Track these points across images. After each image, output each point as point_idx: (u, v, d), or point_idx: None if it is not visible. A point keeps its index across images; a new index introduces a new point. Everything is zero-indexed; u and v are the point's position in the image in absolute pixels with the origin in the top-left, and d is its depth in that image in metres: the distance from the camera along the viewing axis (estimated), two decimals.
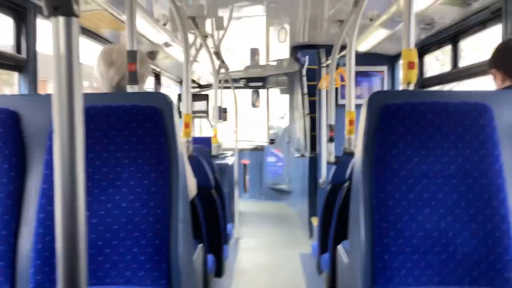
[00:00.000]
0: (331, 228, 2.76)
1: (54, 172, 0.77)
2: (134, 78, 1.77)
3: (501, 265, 1.49)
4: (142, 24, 3.41)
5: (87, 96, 1.71)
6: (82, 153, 0.77)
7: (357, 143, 1.77)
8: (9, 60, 2.30)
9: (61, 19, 0.74)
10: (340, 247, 2.27)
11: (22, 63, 2.36)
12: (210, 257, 2.87)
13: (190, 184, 1.98)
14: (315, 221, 5.38)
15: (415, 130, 1.59)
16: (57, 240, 0.78)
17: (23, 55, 2.36)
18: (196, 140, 4.78)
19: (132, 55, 1.78)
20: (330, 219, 2.85)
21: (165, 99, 1.65)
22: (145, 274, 1.54)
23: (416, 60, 1.73)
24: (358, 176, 1.66)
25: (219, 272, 3.27)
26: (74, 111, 0.75)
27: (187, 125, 2.67)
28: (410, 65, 1.73)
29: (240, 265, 4.69)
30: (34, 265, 1.53)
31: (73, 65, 0.76)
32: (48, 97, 1.70)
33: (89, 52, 2.10)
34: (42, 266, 1.53)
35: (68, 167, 0.76)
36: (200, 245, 2.26)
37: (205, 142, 4.58)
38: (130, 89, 1.79)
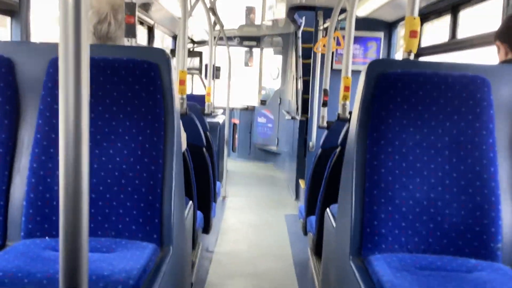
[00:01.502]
0: (320, 192, 2.79)
1: (59, 123, 0.76)
2: (132, 31, 1.73)
3: (486, 236, 1.53)
4: None
5: None
6: (87, 105, 0.77)
7: (352, 109, 1.77)
8: (1, 4, 2.23)
9: None
10: (328, 211, 2.31)
11: (15, 7, 2.29)
12: (199, 214, 2.90)
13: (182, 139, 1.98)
14: (303, 183, 5.44)
15: (412, 100, 1.59)
16: (60, 190, 0.79)
17: None
18: (189, 98, 4.75)
19: (130, 7, 1.73)
20: (319, 183, 2.89)
21: (163, 54, 1.62)
22: (137, 228, 1.56)
23: (418, 29, 1.72)
24: (352, 142, 1.67)
25: (206, 229, 3.32)
26: (80, 63, 0.74)
27: (182, 82, 2.64)
28: (412, 34, 1.71)
29: (226, 223, 4.76)
30: (25, 214, 1.54)
31: (81, 15, 0.74)
32: (43, 45, 1.66)
33: None
34: (33, 215, 1.53)
35: (72, 119, 0.76)
36: (190, 202, 2.28)
37: (198, 100, 4.55)
38: (127, 42, 1.76)
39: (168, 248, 1.59)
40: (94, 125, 1.56)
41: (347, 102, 2.93)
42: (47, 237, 1.51)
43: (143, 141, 1.56)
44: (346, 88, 2.92)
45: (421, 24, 4.08)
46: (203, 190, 3.17)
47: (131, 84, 1.56)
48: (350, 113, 2.66)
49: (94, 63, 1.56)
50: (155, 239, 1.56)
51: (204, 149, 3.22)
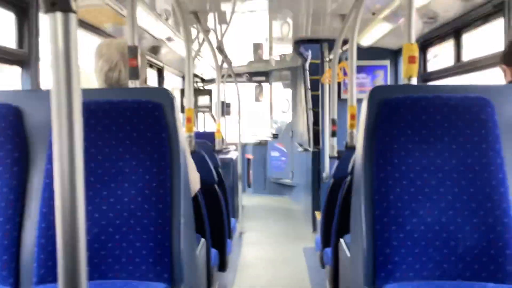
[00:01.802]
0: (334, 222, 2.76)
1: (54, 168, 0.77)
2: (135, 74, 1.77)
3: (502, 259, 1.49)
4: (144, 19, 3.41)
5: (88, 91, 1.72)
6: (81, 150, 0.78)
7: (358, 137, 1.77)
8: (11, 55, 2.31)
9: (58, 15, 0.74)
10: (342, 242, 2.28)
11: (24, 58, 2.36)
12: (214, 252, 2.88)
13: (193, 178, 1.99)
14: (319, 215, 5.39)
15: (416, 124, 1.58)
16: (57, 235, 0.79)
17: (25, 49, 2.37)
18: (200, 135, 4.79)
19: (133, 51, 1.78)
20: (333, 213, 2.86)
21: (167, 94, 1.65)
22: (147, 268, 1.55)
23: (417, 54, 1.73)
24: (359, 170, 1.66)
25: (222, 267, 3.28)
26: (72, 108, 0.76)
27: (189, 120, 2.67)
28: (411, 60, 1.72)
29: (243, 259, 4.70)
30: (37, 259, 1.54)
31: (71, 61, 0.76)
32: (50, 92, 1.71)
33: (92, 47, 2.12)
34: (45, 260, 1.54)
35: (67, 163, 0.77)
36: (203, 240, 2.27)
37: (208, 137, 4.59)
38: (131, 84, 1.80)
39: (180, 287, 1.57)
40: (101, 167, 1.58)
41: (354, 130, 2.93)
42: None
43: (150, 180, 1.57)
44: (352, 117, 2.92)
45: (425, 50, 4.11)
46: (217, 227, 3.15)
47: (136, 124, 1.59)
48: None
49: (100, 106, 1.60)
50: (166, 279, 1.55)
51: (215, 186, 3.22)
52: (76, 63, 0.76)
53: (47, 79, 2.59)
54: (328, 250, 3.06)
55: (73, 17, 0.74)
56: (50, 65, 0.75)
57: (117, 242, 1.56)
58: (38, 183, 1.62)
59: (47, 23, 0.75)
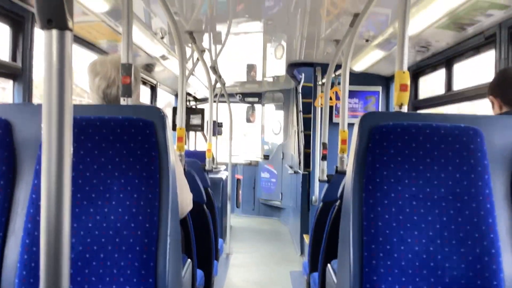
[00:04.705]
0: (322, 246, 2.75)
1: (41, 183, 0.77)
2: (128, 91, 1.77)
3: None
4: (140, 37, 3.43)
5: (79, 107, 1.71)
6: (69, 166, 0.77)
7: (348, 162, 1.77)
8: (4, 68, 2.30)
9: (54, 32, 0.74)
10: (329, 267, 2.26)
11: (17, 71, 2.35)
12: (199, 273, 2.84)
13: (186, 198, 1.97)
14: (307, 238, 5.36)
15: (406, 152, 1.59)
16: (41, 252, 0.78)
17: (19, 63, 2.36)
18: (191, 154, 4.78)
19: (126, 68, 1.78)
20: (321, 237, 2.85)
21: (158, 112, 1.65)
22: None
23: (408, 82, 1.75)
24: (349, 196, 1.66)
25: None
26: (63, 124, 0.75)
27: (180, 139, 2.67)
28: (402, 87, 1.74)
29: (230, 281, 4.65)
30: (19, 276, 1.51)
31: (65, 78, 0.76)
32: (41, 107, 1.70)
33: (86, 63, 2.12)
34: (27, 277, 1.51)
35: (55, 179, 0.76)
36: (189, 261, 2.24)
37: (199, 156, 4.58)
38: (123, 101, 1.79)
39: None
40: (89, 184, 1.56)
41: (345, 155, 2.94)
42: None
43: (138, 199, 1.56)
44: (343, 141, 2.94)
45: (417, 78, 4.16)
46: (204, 248, 3.12)
47: (126, 142, 1.58)
48: None
49: (90, 123, 1.59)
50: None
51: (204, 206, 3.20)
52: (69, 80, 0.76)
53: (39, 93, 2.58)
54: (315, 275, 3.04)
55: (68, 35, 0.75)
56: (44, 81, 0.75)
57: (101, 261, 1.53)
58: (24, 198, 1.60)
59: (42, 39, 0.75)
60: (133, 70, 1.81)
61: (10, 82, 2.37)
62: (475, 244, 1.52)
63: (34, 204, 1.55)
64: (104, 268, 1.52)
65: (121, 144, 1.57)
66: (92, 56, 3.35)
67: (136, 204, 1.55)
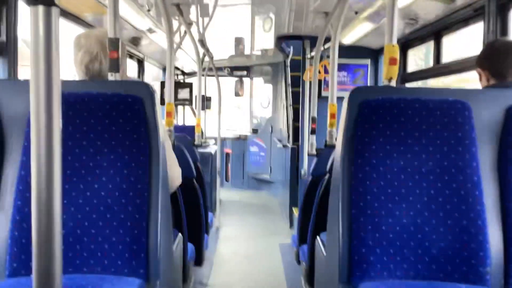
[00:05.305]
0: (311, 219, 2.78)
1: (31, 159, 0.76)
2: (115, 66, 1.74)
3: (475, 261, 1.52)
4: (126, 9, 3.36)
5: (67, 83, 1.69)
6: (59, 142, 0.77)
7: (337, 136, 1.78)
8: None
9: (40, 8, 0.73)
10: (318, 239, 2.29)
11: (2, 46, 2.31)
12: (190, 246, 2.87)
13: (175, 173, 1.97)
14: (296, 211, 5.42)
15: (395, 126, 1.60)
16: (33, 228, 0.78)
17: (3, 37, 2.31)
18: (179, 129, 4.76)
19: (114, 43, 1.75)
20: (310, 210, 2.88)
21: (147, 88, 1.64)
22: (123, 263, 1.54)
23: (397, 56, 1.75)
24: (338, 169, 1.67)
25: (198, 261, 3.27)
26: (52, 100, 0.75)
27: (169, 114, 2.65)
28: (391, 61, 1.74)
29: (220, 254, 4.71)
30: (10, 252, 1.52)
31: (52, 54, 0.75)
32: (28, 83, 1.67)
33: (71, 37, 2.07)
34: (18, 254, 1.51)
35: (44, 155, 0.76)
36: (179, 235, 2.26)
37: (188, 131, 4.57)
38: (111, 77, 1.77)
39: (155, 282, 1.56)
40: (79, 160, 1.55)
41: (334, 129, 2.95)
42: (32, 276, 1.49)
43: (128, 175, 1.56)
44: (332, 115, 2.94)
45: (405, 51, 4.16)
46: (194, 222, 3.15)
47: (115, 118, 1.57)
48: None
49: (78, 99, 1.58)
50: (142, 274, 1.54)
51: (194, 180, 3.21)
52: (57, 56, 0.75)
53: (25, 69, 2.54)
54: (304, 247, 3.08)
55: (55, 11, 0.73)
56: (30, 57, 0.74)
57: (92, 237, 1.54)
58: (13, 175, 1.59)
59: (28, 15, 0.73)
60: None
61: None
62: (462, 216, 1.55)
63: (23, 180, 1.54)
64: (95, 244, 1.53)
65: (110, 120, 1.56)
66: (78, 30, 3.29)
67: (126, 180, 1.55)
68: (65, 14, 3.08)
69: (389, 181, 1.58)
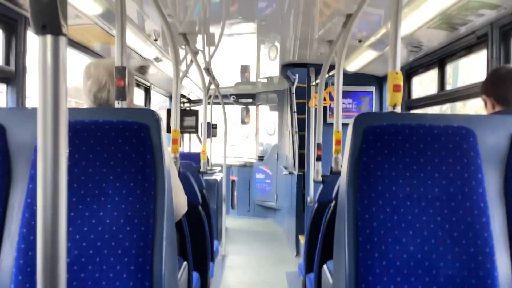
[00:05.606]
0: (317, 247, 2.76)
1: (37, 187, 0.77)
2: (122, 94, 1.77)
3: None
4: (133, 39, 3.43)
5: (74, 111, 1.71)
6: (65, 170, 0.77)
7: (343, 163, 1.78)
8: None
9: (49, 38, 0.75)
10: (325, 267, 2.27)
11: (11, 75, 2.35)
12: (195, 275, 2.84)
13: (180, 200, 1.97)
14: (303, 239, 5.37)
15: (400, 152, 1.60)
16: (38, 256, 0.78)
17: (12, 67, 2.35)
18: (185, 156, 4.78)
19: (120, 71, 1.78)
20: (316, 238, 2.85)
21: (153, 115, 1.65)
22: None
23: (401, 83, 1.76)
24: (343, 196, 1.67)
25: None
26: (58, 130, 0.76)
27: (174, 141, 2.67)
28: (395, 88, 1.75)
29: (226, 283, 4.65)
30: (15, 281, 1.51)
31: (60, 82, 0.76)
32: (35, 111, 1.69)
33: (79, 66, 2.11)
34: (23, 282, 1.50)
35: (51, 183, 0.76)
36: (185, 263, 2.24)
37: (194, 158, 4.58)
38: (117, 104, 1.79)
39: None
40: (85, 187, 1.56)
41: (339, 156, 2.95)
42: None
43: (133, 202, 1.56)
44: (338, 142, 2.94)
45: (410, 77, 4.18)
46: (200, 250, 3.12)
47: (121, 145, 1.58)
48: None
49: (85, 126, 1.59)
50: None
51: (200, 207, 3.20)
52: (64, 84, 0.76)
53: (33, 97, 2.57)
54: (311, 276, 3.04)
55: (63, 40, 0.75)
56: (38, 85, 0.75)
57: (97, 265, 1.53)
58: (19, 202, 1.59)
59: (36, 44, 0.75)
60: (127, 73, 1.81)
61: (4, 86, 2.36)
62: (469, 243, 1.53)
63: (29, 208, 1.54)
64: (100, 272, 1.52)
65: (116, 148, 1.57)
66: (86, 60, 3.35)
67: (131, 208, 1.55)
68: (74, 43, 3.13)
69: (395, 208, 1.57)
